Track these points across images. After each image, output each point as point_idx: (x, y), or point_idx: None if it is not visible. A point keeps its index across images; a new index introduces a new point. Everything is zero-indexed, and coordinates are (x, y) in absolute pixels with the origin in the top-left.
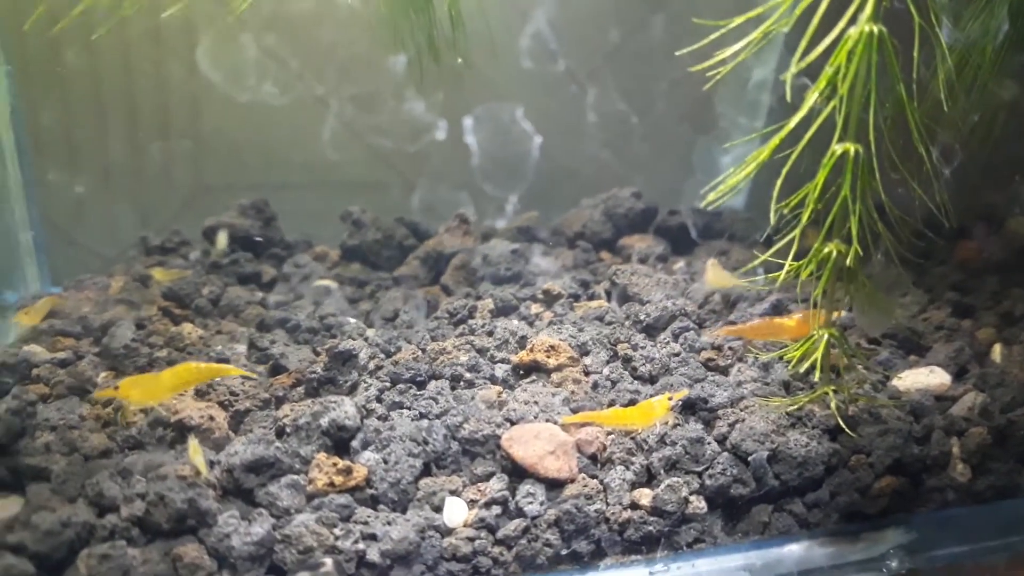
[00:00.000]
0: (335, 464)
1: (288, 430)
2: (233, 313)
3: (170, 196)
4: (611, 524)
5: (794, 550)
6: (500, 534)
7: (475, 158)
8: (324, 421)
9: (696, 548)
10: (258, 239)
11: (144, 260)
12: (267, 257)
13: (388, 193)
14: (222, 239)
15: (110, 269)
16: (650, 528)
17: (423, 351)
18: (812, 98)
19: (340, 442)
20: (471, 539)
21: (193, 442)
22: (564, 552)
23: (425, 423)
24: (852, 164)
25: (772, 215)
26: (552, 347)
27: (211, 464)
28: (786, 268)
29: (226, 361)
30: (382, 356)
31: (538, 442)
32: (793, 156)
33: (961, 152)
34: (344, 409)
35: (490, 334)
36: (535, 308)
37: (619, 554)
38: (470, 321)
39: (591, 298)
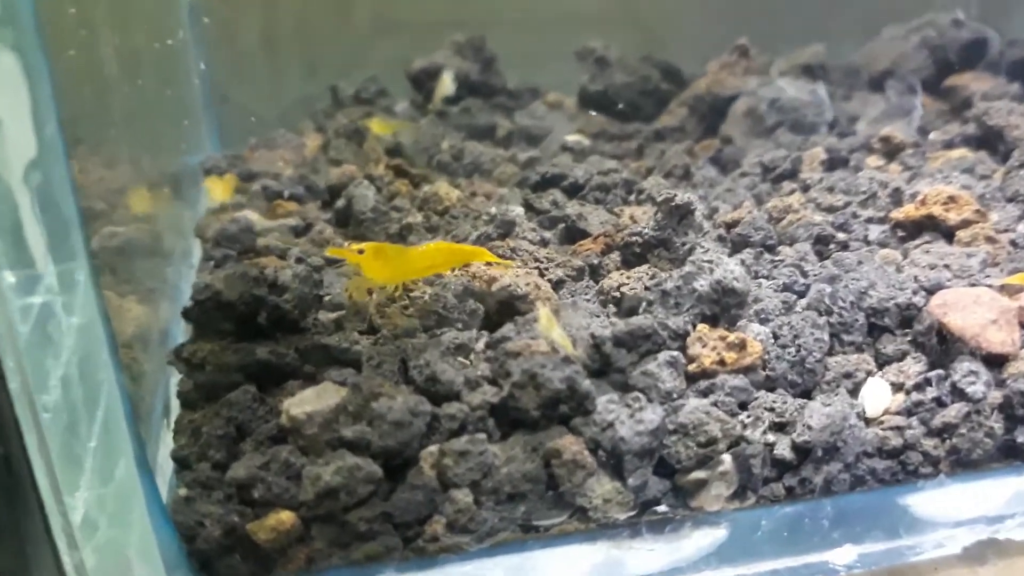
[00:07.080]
0: (723, 337)
1: (644, 299)
2: (480, 172)
3: (339, 41)
4: None
5: None
6: (936, 422)
7: None
8: (701, 284)
9: None
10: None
11: (344, 113)
12: (493, 107)
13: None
14: (447, 82)
15: (297, 127)
16: None
17: (760, 209)
18: None
19: (720, 311)
20: (900, 429)
21: (546, 311)
22: (1006, 444)
23: (827, 288)
24: None
25: None
26: (952, 198)
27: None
28: None
29: (511, 226)
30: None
31: (979, 308)
32: None
33: None
34: (729, 268)
35: (830, 190)
36: (872, 160)
37: None
38: (801, 176)
39: (949, 147)
